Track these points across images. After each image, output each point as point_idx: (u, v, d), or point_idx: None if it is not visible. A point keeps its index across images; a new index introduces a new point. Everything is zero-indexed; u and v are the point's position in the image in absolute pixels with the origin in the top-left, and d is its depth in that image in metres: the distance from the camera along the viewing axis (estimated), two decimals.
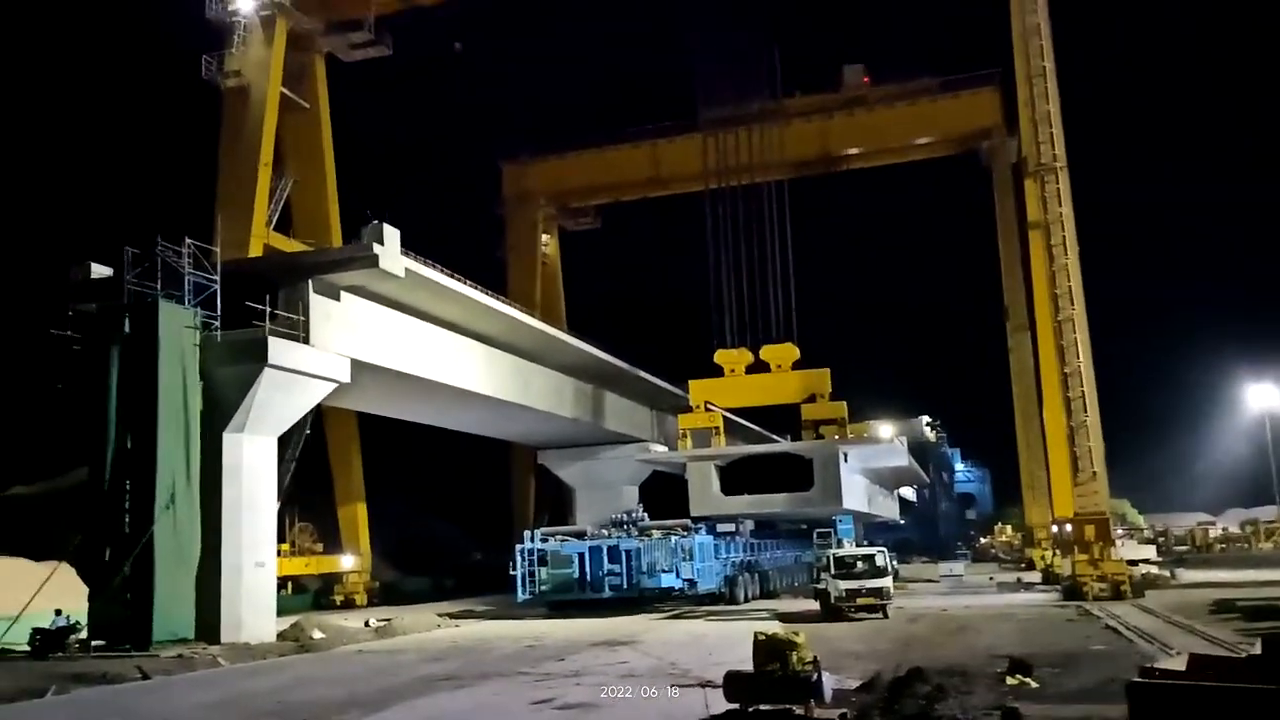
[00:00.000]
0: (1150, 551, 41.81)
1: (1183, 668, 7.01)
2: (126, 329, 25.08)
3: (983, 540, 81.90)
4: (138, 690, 19.06)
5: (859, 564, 28.54)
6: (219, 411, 25.66)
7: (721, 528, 37.12)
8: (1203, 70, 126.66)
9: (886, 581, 27.84)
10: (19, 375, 38.43)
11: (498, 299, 36.28)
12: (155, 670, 20.75)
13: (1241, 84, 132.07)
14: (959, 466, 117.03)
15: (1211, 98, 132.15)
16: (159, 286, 25.26)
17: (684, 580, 33.26)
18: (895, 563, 34.33)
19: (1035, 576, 40.98)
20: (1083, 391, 31.88)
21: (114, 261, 26.50)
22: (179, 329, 25.01)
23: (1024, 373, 49.37)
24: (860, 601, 27.11)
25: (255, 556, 26.32)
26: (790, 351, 42.35)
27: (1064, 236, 33.08)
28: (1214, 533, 68.31)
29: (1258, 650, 8.20)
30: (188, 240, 25.78)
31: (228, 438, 25.88)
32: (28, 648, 23.60)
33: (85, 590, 24.42)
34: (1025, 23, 34.85)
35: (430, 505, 64.12)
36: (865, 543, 36.77)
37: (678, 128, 55.23)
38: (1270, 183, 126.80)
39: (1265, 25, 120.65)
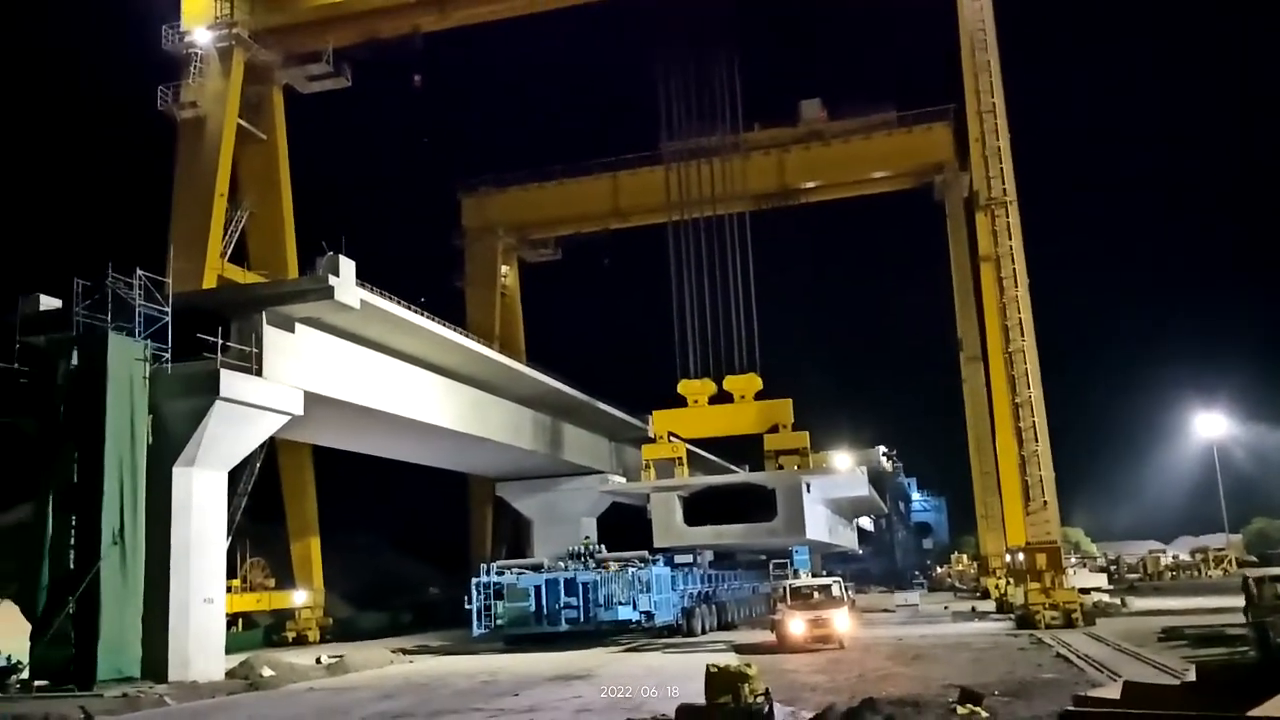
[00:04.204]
0: (1102, 580, 42.38)
1: (1118, 695, 7.14)
2: (74, 361, 24.69)
3: (939, 570, 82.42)
4: None
5: (815, 594, 28.68)
6: (169, 445, 25.24)
7: (679, 559, 37.03)
8: (1155, 104, 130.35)
9: (843, 611, 27.96)
10: None
11: (456, 331, 36.16)
12: (99, 711, 20.24)
13: (1195, 118, 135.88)
14: (915, 496, 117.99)
15: (1166, 129, 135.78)
16: (109, 318, 24.88)
17: (641, 613, 33.10)
18: (852, 593, 34.46)
19: (990, 605, 41.24)
20: (1034, 421, 32.36)
21: (63, 293, 26.11)
22: (128, 361, 24.60)
23: (977, 403, 49.97)
24: (817, 632, 27.17)
25: (204, 593, 25.85)
26: (753, 382, 42.39)
27: (1014, 269, 33.70)
28: (1165, 561, 69.17)
29: (1193, 677, 8.37)
30: (139, 271, 25.47)
31: (177, 472, 25.47)
32: None
33: (29, 629, 23.81)
34: (976, 60, 35.66)
35: (387, 539, 63.37)
36: (823, 573, 36.90)
37: (639, 160, 55.64)
38: (1219, 214, 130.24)
39: (1213, 61, 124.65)
